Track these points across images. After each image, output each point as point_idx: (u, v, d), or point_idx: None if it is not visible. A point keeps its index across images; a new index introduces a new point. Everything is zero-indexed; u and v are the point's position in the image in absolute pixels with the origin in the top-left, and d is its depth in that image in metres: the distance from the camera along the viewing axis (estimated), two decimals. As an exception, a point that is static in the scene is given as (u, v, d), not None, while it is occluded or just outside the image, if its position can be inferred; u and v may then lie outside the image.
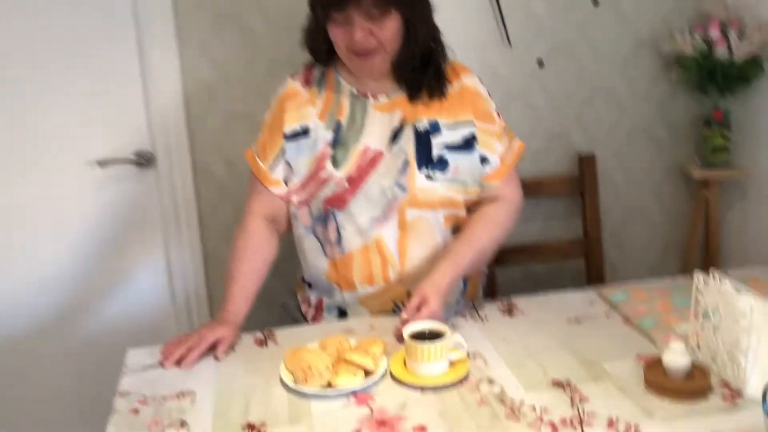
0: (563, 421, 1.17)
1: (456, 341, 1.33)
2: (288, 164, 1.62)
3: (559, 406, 1.21)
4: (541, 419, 1.18)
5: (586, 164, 2.25)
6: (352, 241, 1.58)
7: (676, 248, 2.45)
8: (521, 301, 1.63)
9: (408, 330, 1.36)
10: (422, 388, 1.29)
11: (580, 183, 2.26)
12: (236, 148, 2.09)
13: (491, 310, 1.60)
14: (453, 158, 1.58)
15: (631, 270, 2.42)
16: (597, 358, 1.36)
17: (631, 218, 2.41)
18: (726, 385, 1.23)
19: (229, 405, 1.27)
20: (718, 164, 2.19)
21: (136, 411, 1.27)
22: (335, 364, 1.31)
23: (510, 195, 1.66)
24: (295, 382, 1.30)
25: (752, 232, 2.23)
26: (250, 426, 1.21)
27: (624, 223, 2.40)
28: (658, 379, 1.24)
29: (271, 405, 1.27)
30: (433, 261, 1.55)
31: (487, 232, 1.59)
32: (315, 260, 1.66)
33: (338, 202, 1.59)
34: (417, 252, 1.59)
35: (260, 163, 1.64)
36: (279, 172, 1.63)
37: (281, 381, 1.33)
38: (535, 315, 1.56)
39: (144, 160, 2.07)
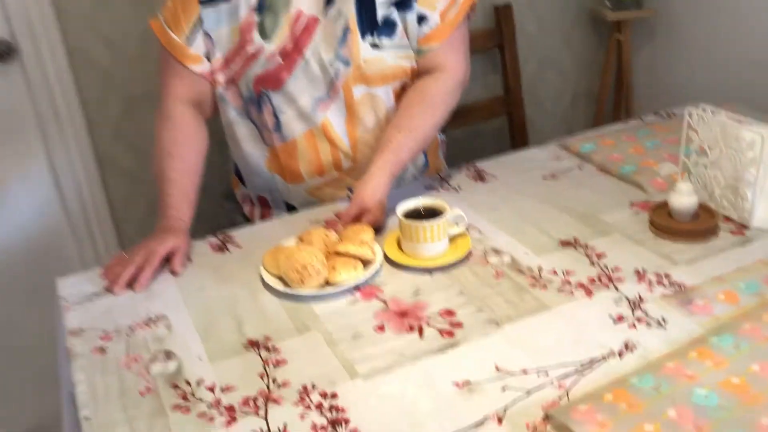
0: (591, 281, 1.10)
1: (456, 215, 1.21)
2: (208, 36, 1.34)
3: (579, 266, 1.14)
4: (569, 282, 1.11)
5: (502, 15, 2.12)
6: (293, 127, 1.37)
7: (587, 98, 2.45)
8: (486, 165, 1.52)
9: (401, 209, 1.21)
10: (430, 271, 1.17)
11: (497, 35, 2.14)
12: (115, 23, 1.74)
13: (460, 178, 1.48)
14: (401, 17, 1.37)
15: (549, 124, 2.40)
16: (592, 211, 1.30)
17: (544, 70, 2.35)
18: (728, 220, 1.22)
19: (216, 324, 1.08)
20: (629, 5, 2.16)
21: (101, 350, 1.04)
22: (328, 259, 1.15)
23: (452, 65, 1.42)
24: (288, 285, 1.12)
25: (661, 71, 2.26)
26: (253, 343, 1.03)
27: (538, 76, 2.34)
28: (667, 223, 1.20)
29: (266, 316, 1.09)
30: None
31: (428, 118, 1.38)
32: (251, 149, 1.43)
33: (272, 82, 1.35)
34: (369, 135, 1.41)
35: (172, 35, 1.35)
36: (198, 46, 1.35)
37: (266, 287, 1.15)
38: (507, 178, 1.46)
39: (3, 52, 1.66)
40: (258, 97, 1.36)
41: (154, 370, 0.98)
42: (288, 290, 1.12)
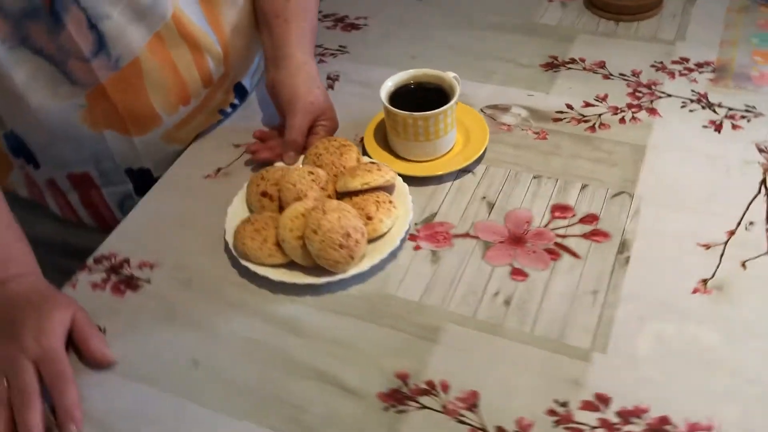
0: (634, 95, 0.90)
1: (452, 78, 0.85)
2: None
3: (600, 86, 0.93)
4: (616, 108, 0.89)
5: None
6: (129, 38, 0.78)
7: None
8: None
9: (384, 94, 0.82)
10: (467, 169, 0.83)
11: None
12: None
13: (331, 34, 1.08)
14: None
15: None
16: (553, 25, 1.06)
17: None
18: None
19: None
20: None
21: None
22: (347, 205, 0.72)
23: None
24: (337, 264, 0.69)
25: None
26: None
27: None
28: None
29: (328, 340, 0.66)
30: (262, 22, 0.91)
31: None
32: (46, 100, 0.80)
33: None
34: (241, 13, 0.90)
35: None
36: None
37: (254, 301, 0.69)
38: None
39: None
40: (50, 7, 0.74)
41: None
42: (326, 279, 0.69)
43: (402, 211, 0.75)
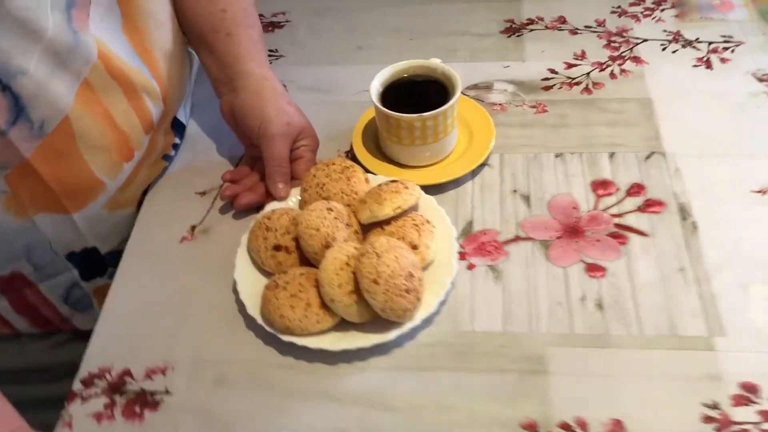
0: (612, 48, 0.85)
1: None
2: None
3: (586, 44, 0.86)
4: (612, 59, 0.83)
5: None
6: (52, 93, 0.59)
7: None
8: None
9: (375, 97, 0.69)
10: (474, 172, 0.72)
11: None
12: None
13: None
14: None
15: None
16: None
17: None
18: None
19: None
20: None
21: None
22: (396, 240, 0.60)
23: None
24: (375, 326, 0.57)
25: None
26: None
27: None
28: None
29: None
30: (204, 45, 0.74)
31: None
32: None
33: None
34: (165, 32, 0.72)
35: None
36: None
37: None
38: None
39: None
40: None
41: None
42: (396, 332, 0.57)
43: (442, 229, 0.65)
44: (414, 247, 0.61)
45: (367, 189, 0.67)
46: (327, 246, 0.60)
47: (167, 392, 0.57)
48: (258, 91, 0.70)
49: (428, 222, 0.64)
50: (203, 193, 0.73)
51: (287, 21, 0.96)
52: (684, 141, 0.73)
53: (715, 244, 0.63)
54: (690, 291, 0.60)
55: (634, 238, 0.65)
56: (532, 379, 0.56)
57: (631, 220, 0.66)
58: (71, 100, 0.60)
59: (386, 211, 0.62)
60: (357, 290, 0.57)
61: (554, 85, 0.81)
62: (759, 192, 0.67)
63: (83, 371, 0.59)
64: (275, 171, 0.68)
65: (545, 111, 0.78)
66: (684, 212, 0.66)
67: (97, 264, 0.71)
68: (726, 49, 0.83)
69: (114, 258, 0.70)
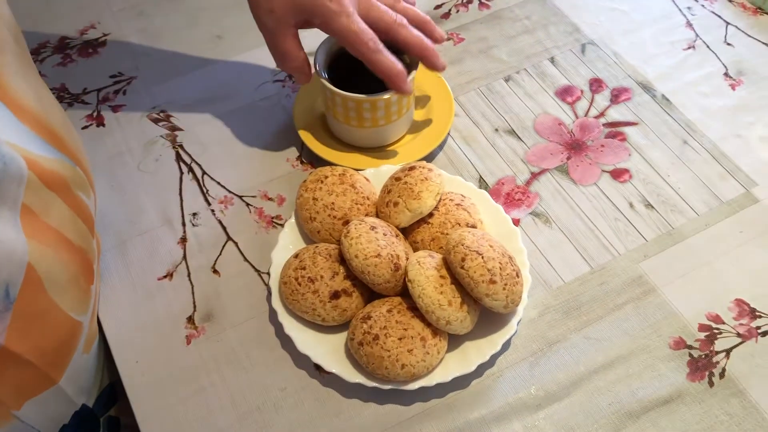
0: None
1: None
2: None
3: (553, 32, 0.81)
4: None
5: None
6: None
7: None
8: None
9: (322, 72, 0.58)
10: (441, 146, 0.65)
11: None
12: None
13: None
14: None
15: None
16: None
17: None
18: None
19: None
20: None
21: None
22: (457, 230, 0.52)
23: None
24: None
25: None
26: None
27: None
28: None
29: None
30: None
31: None
32: None
33: None
34: (56, 106, 0.49)
35: None
36: None
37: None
38: None
39: None
40: None
41: None
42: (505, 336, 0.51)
43: (474, 196, 0.58)
44: (473, 227, 0.55)
45: (373, 189, 0.58)
46: (396, 268, 0.51)
47: None
48: None
49: (464, 196, 0.57)
50: (169, 276, 0.57)
51: (105, 35, 0.76)
52: (599, 24, 0.74)
53: (690, 104, 0.66)
54: (704, 157, 0.63)
55: (628, 130, 0.65)
56: (649, 300, 0.54)
57: (614, 114, 0.66)
58: (23, 239, 0.41)
59: (429, 203, 0.54)
60: (464, 299, 0.49)
61: (450, 11, 0.76)
62: (688, 49, 0.71)
63: None
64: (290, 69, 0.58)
65: (462, 40, 0.73)
66: (648, 89, 0.68)
67: (90, 423, 0.53)
68: None
69: (103, 406, 0.52)
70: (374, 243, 0.51)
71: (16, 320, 0.41)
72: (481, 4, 0.76)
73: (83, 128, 0.67)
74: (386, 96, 0.58)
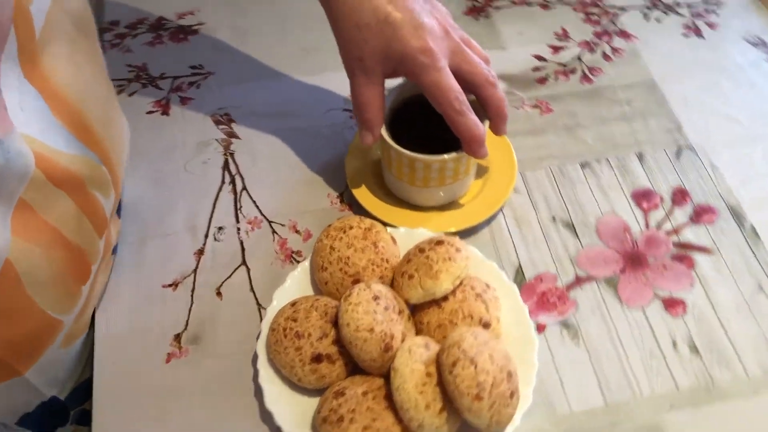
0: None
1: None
2: None
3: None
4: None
5: None
6: None
7: None
8: None
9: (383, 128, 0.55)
10: (498, 212, 0.61)
11: None
12: None
13: None
14: None
15: None
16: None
17: None
18: None
19: None
20: None
21: None
22: (479, 330, 0.48)
23: None
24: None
25: None
26: None
27: None
28: None
29: None
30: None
31: None
32: None
33: None
34: (103, 101, 0.50)
35: None
36: None
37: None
38: None
39: None
40: None
41: None
42: None
43: (501, 288, 0.54)
44: (485, 326, 0.50)
45: (395, 250, 0.54)
46: (387, 349, 0.47)
47: None
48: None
49: (489, 287, 0.52)
50: (174, 285, 0.56)
51: (200, 24, 0.76)
52: (706, 128, 0.66)
53: (783, 249, 0.58)
54: (780, 313, 0.55)
55: (699, 258, 0.58)
56: (661, 462, 0.48)
57: (689, 235, 0.59)
58: (7, 235, 0.41)
59: (445, 286, 0.50)
60: (446, 405, 0.45)
61: (548, 76, 0.71)
62: (801, 179, 0.63)
63: None
64: (362, 121, 0.55)
65: (551, 111, 0.68)
66: (738, 216, 0.60)
67: (58, 413, 0.53)
68: (708, 11, 0.77)
69: (76, 400, 0.52)
70: (371, 315, 0.47)
71: (-19, 309, 0.41)
72: (584, 76, 0.71)
73: (148, 113, 0.68)
74: (451, 156, 0.54)
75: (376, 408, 0.46)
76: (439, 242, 0.52)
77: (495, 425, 0.45)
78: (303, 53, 0.73)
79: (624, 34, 0.75)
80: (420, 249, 0.52)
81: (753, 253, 0.58)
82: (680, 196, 0.62)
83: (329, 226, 0.55)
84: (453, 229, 0.58)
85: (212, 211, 0.61)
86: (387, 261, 0.53)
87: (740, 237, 0.59)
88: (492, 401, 0.44)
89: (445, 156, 0.54)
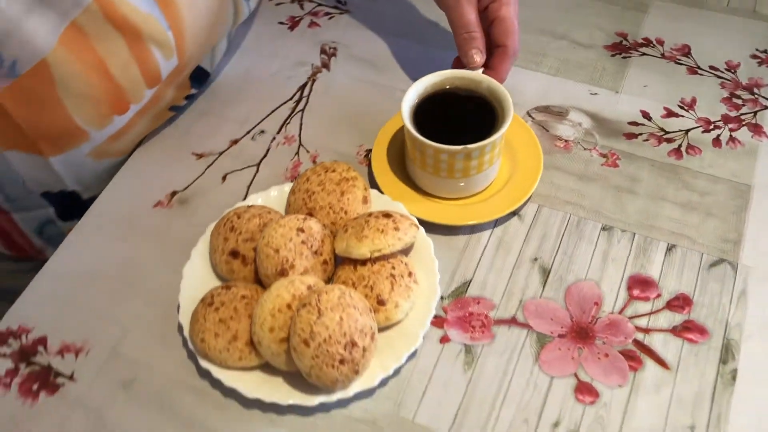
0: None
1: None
2: None
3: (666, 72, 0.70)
4: (712, 124, 0.67)
5: None
6: (27, 32, 0.52)
7: None
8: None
9: (407, 112, 0.58)
10: (515, 212, 0.60)
11: None
12: None
13: (327, -15, 0.82)
14: None
15: None
16: (588, -23, 0.80)
17: None
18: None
19: None
20: None
21: None
22: (352, 291, 0.51)
23: None
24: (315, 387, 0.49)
25: None
26: None
27: None
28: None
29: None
30: None
31: None
32: None
33: None
34: None
35: None
36: None
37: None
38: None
39: None
40: None
41: None
42: (321, 398, 0.49)
43: (426, 286, 0.54)
44: (380, 303, 0.52)
45: (363, 210, 0.58)
46: (282, 273, 0.52)
47: (71, 378, 0.53)
48: None
49: (410, 275, 0.54)
50: (200, 156, 0.66)
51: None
52: (766, 254, 0.57)
53: (750, 411, 0.50)
54: None
55: (650, 366, 0.52)
56: (454, 508, 0.47)
57: (656, 340, 0.53)
58: (53, 42, 0.53)
59: (362, 251, 0.52)
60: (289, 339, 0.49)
61: (641, 134, 0.66)
62: (838, 357, 0.52)
63: (2, 325, 0.56)
64: (464, 40, 0.64)
65: (616, 165, 0.64)
66: (727, 352, 0.52)
67: (78, 205, 0.66)
68: None
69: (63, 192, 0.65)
70: (284, 239, 0.52)
71: (14, 89, 0.53)
72: (677, 150, 0.64)
73: (279, 23, 0.77)
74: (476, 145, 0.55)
75: (241, 310, 0.51)
76: (387, 215, 0.55)
77: (314, 377, 0.48)
78: (429, 25, 0.77)
79: (756, 129, 0.66)
80: (371, 213, 0.55)
81: (712, 394, 0.50)
82: (681, 302, 0.55)
83: (323, 162, 0.60)
84: (431, 220, 0.59)
85: (266, 116, 0.69)
86: (346, 212, 0.57)
87: (712, 373, 0.51)
88: (317, 353, 0.47)
89: (464, 147, 0.55)
